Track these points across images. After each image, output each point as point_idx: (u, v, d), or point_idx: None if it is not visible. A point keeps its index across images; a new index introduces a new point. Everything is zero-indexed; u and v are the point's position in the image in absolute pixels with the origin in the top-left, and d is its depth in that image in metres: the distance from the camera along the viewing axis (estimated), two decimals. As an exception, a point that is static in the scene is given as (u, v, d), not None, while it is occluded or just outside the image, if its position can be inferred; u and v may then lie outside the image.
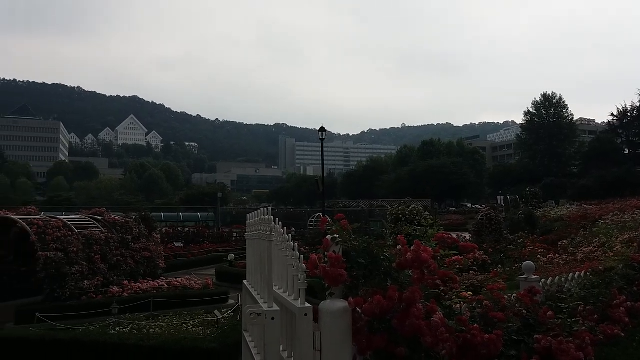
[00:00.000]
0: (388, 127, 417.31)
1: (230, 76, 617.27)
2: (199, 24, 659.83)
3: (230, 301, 14.08)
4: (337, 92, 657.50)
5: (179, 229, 31.28)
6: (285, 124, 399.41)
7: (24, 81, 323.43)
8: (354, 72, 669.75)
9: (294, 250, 3.10)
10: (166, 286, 14.03)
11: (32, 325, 10.59)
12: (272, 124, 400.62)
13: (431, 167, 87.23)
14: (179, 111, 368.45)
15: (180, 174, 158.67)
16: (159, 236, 18.56)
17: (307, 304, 2.84)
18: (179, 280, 14.74)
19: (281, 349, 3.15)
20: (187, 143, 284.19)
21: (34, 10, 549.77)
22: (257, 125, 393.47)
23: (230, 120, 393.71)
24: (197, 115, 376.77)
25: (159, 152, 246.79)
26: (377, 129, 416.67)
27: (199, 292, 13.95)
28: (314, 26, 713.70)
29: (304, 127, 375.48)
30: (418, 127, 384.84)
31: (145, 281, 14.35)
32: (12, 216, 14.56)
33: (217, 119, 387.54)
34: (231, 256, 20.29)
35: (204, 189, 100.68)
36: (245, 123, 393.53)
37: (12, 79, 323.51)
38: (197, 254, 24.68)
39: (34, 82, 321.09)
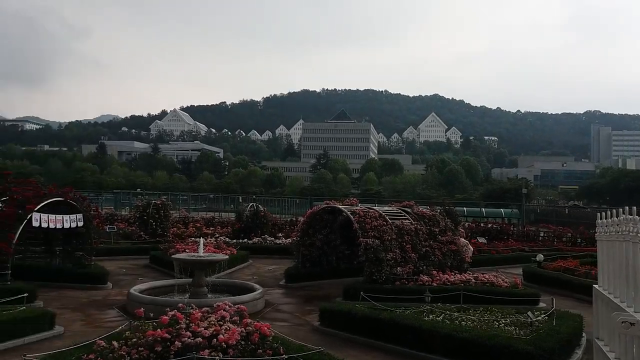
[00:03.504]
0: None
1: (533, 64, 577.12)
2: (500, 15, 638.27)
3: (542, 304, 13.24)
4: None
5: (482, 224, 30.86)
6: (599, 111, 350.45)
7: (342, 89, 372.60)
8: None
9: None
10: (473, 280, 14.00)
11: (357, 302, 11.99)
12: (582, 112, 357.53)
13: None
14: (478, 105, 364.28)
15: (479, 169, 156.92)
16: (463, 230, 18.72)
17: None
18: (486, 276, 14.52)
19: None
20: (486, 137, 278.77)
21: (348, 28, 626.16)
22: (563, 114, 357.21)
23: (533, 111, 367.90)
24: (497, 108, 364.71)
25: (458, 148, 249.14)
26: None
27: (508, 290, 13.48)
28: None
29: (623, 114, 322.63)
30: None
31: (452, 273, 14.63)
32: (339, 206, 16.88)
33: (518, 111, 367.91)
34: (540, 257, 19.00)
35: (504, 184, 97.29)
36: (550, 113, 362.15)
37: (333, 88, 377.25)
38: (501, 252, 23.91)
39: (349, 90, 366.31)
